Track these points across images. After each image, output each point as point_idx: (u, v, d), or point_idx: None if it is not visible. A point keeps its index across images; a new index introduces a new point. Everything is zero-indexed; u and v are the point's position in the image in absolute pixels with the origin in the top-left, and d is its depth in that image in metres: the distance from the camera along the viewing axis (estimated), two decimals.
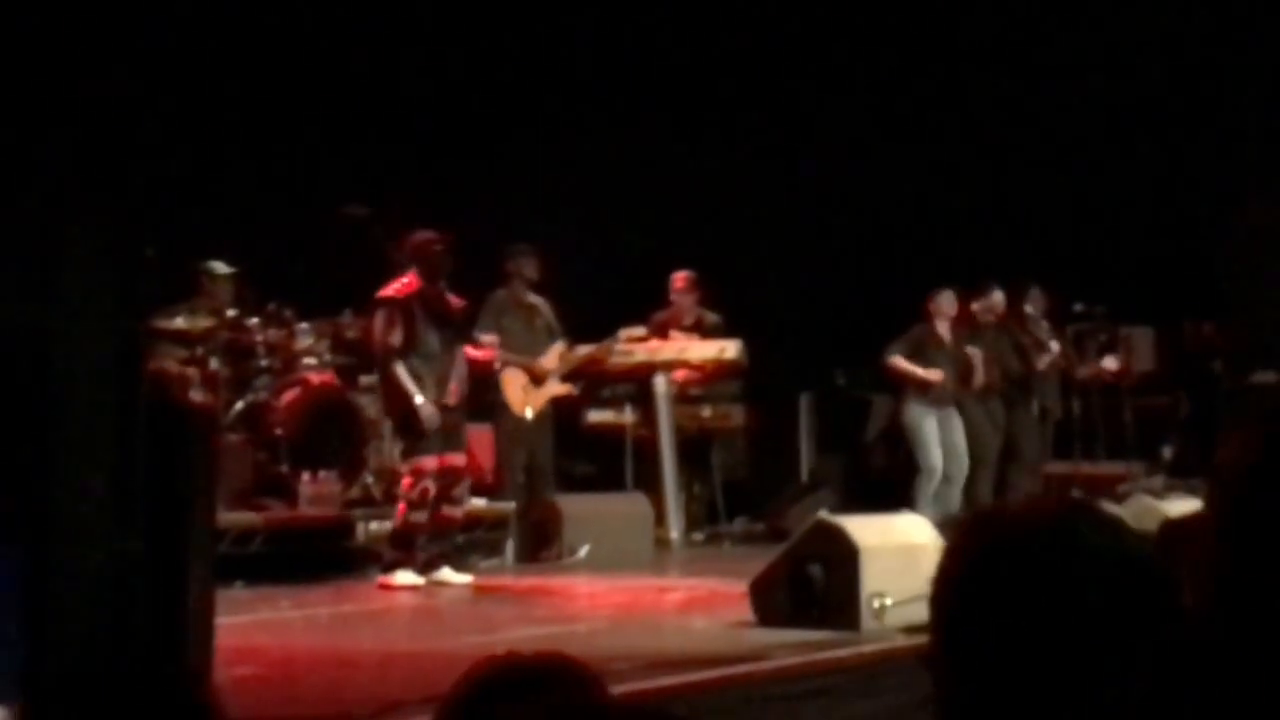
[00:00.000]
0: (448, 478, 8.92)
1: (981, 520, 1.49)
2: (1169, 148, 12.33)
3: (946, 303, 10.86)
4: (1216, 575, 1.41)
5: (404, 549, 8.89)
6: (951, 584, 1.45)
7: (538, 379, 10.61)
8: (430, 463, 8.82)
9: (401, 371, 8.82)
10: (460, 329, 9.22)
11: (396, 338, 8.84)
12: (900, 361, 10.82)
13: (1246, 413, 1.50)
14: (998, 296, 11.11)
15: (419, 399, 8.78)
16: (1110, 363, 11.42)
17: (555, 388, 10.74)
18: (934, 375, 10.76)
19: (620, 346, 11.07)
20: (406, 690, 5.27)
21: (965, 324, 11.04)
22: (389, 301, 8.89)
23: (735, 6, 12.61)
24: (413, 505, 8.82)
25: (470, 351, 9.64)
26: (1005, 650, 1.39)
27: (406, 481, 8.89)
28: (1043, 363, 11.18)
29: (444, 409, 8.88)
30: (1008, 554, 1.42)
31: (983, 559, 1.43)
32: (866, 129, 12.89)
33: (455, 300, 9.12)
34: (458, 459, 9.02)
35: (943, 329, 10.87)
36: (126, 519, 4.54)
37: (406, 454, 9.01)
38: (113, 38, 4.93)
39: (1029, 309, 11.33)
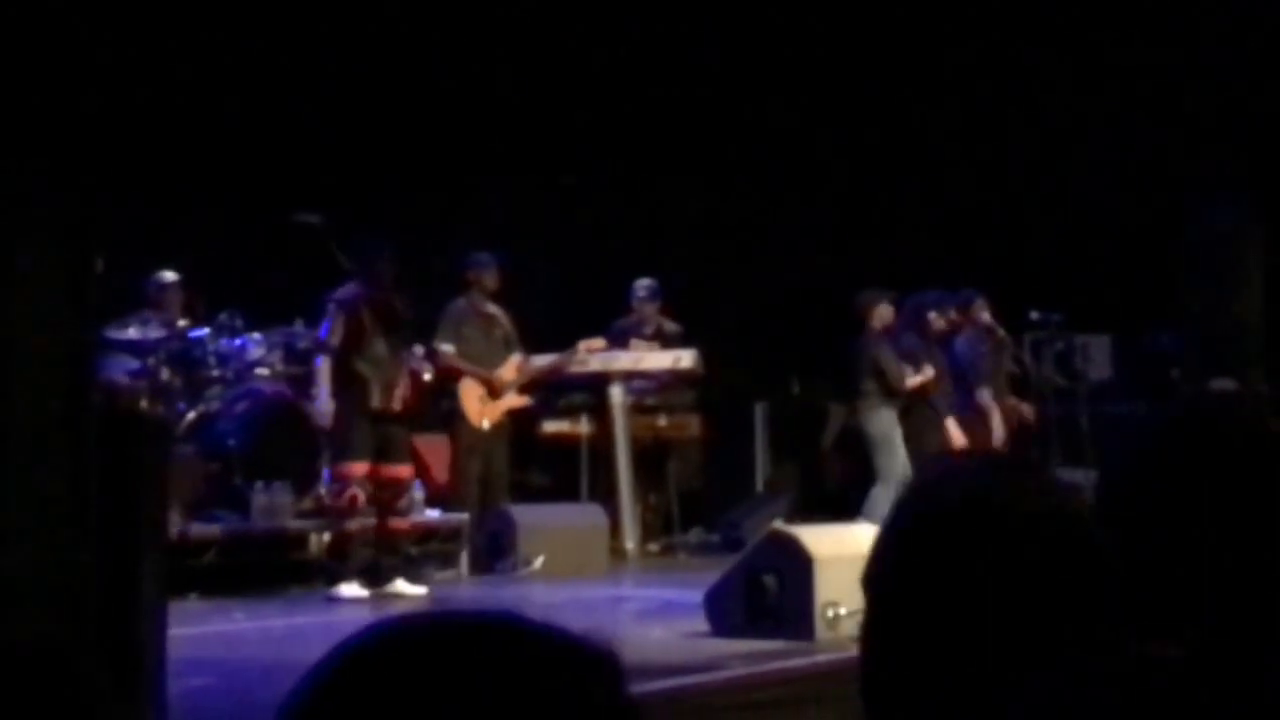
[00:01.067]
0: (390, 489, 8.87)
1: (914, 491, 1.48)
2: (1126, 154, 12.42)
3: (886, 311, 10.86)
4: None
5: (341, 559, 8.84)
6: (881, 557, 1.43)
7: (495, 390, 10.59)
8: (358, 469, 8.76)
9: (322, 370, 8.82)
10: (408, 335, 9.13)
11: (335, 339, 8.84)
12: (916, 377, 10.73)
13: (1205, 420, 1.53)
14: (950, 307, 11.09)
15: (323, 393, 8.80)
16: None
17: (512, 399, 10.73)
18: (928, 373, 10.74)
19: (578, 356, 11.06)
20: None
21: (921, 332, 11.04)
22: (336, 302, 8.87)
23: (688, 22, 12.63)
24: (342, 514, 8.78)
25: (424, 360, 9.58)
26: (932, 620, 1.36)
27: (334, 488, 8.86)
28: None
29: (389, 416, 8.84)
30: (935, 520, 1.40)
31: (912, 529, 1.41)
32: (823, 139, 12.93)
33: (403, 305, 9.03)
34: (401, 470, 8.98)
35: (880, 334, 10.85)
36: (78, 530, 4.50)
37: (333, 460, 8.97)
38: (60, 48, 4.90)
39: (986, 317, 11.34)
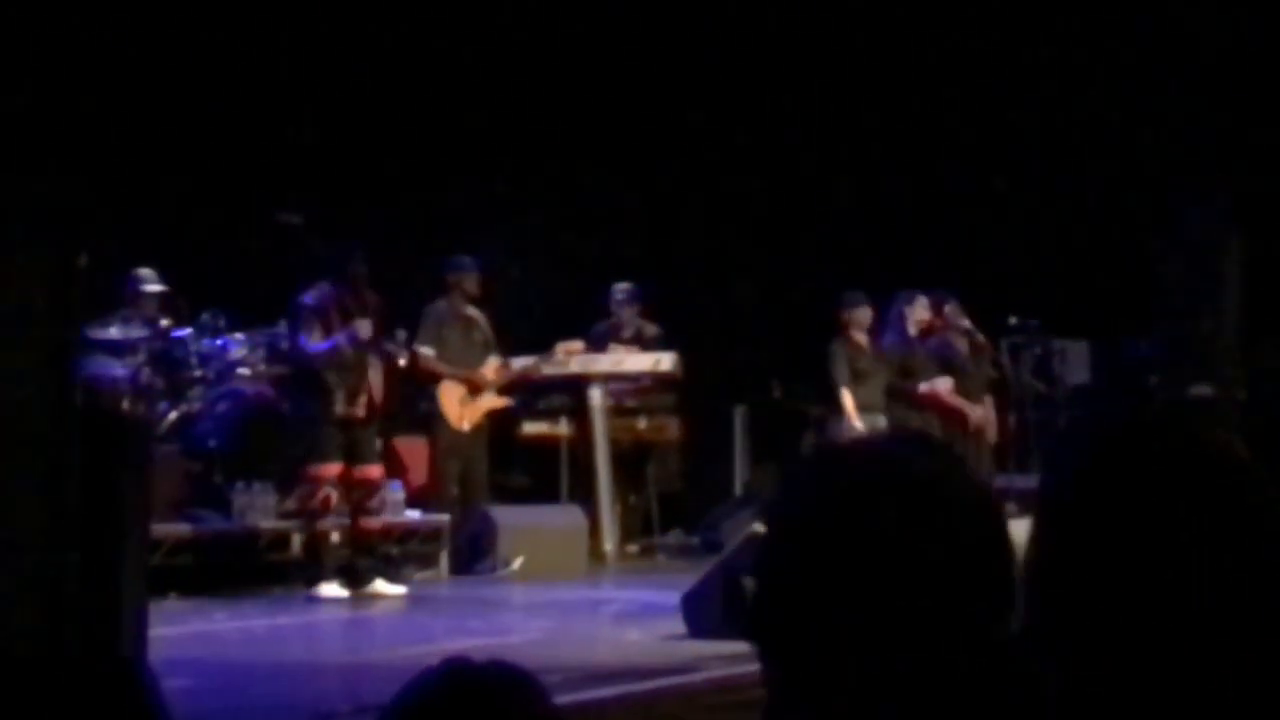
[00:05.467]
0: (361, 489, 8.91)
1: (808, 462, 1.44)
2: (1104, 160, 12.50)
3: (864, 314, 10.94)
4: (1036, 577, 1.42)
5: (316, 560, 8.87)
6: (774, 529, 1.39)
7: (475, 391, 10.62)
8: (330, 470, 8.80)
9: (314, 345, 8.80)
10: (378, 339, 9.07)
11: (315, 340, 8.85)
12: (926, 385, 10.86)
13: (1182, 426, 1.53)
14: (923, 301, 11.16)
15: (337, 337, 8.72)
16: (943, 383, 11.36)
17: (492, 400, 10.75)
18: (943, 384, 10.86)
19: (557, 358, 11.09)
20: (340, 701, 5.27)
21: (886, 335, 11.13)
22: (304, 307, 8.88)
23: (668, 24, 12.68)
24: (315, 515, 8.81)
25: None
26: (825, 597, 1.32)
27: (306, 490, 8.88)
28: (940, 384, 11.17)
29: (354, 422, 8.87)
30: (832, 493, 1.36)
31: (806, 501, 1.37)
32: (802, 144, 12.99)
33: (373, 299, 9.01)
34: (371, 471, 9.01)
35: (861, 338, 10.94)
36: (60, 530, 4.52)
37: (306, 461, 8.98)
38: (44, 51, 4.93)
39: (965, 322, 11.41)
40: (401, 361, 9.25)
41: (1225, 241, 11.44)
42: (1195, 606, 1.33)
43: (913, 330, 11.11)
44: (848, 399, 10.76)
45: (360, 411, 8.87)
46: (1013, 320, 11.71)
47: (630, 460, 11.77)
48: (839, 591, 1.32)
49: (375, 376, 9.00)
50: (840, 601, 1.32)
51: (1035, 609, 1.37)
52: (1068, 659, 1.34)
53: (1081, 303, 12.18)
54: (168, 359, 9.71)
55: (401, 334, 9.30)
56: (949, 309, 11.19)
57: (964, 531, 1.35)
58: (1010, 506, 10.95)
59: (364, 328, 8.75)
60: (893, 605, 1.31)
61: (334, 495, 8.80)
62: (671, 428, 12.02)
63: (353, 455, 8.88)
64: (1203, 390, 11.07)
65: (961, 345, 11.34)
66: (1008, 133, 12.68)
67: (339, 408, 8.80)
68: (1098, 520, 1.36)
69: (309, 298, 8.90)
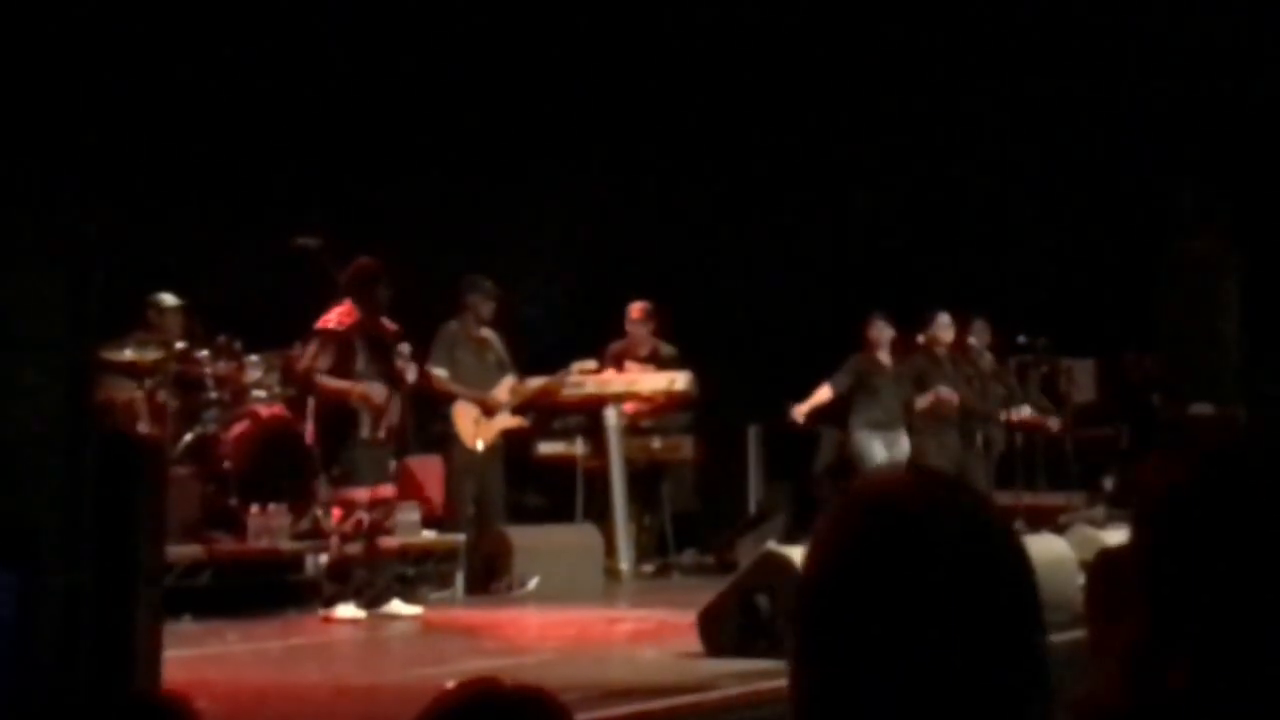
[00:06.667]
0: (379, 509, 8.93)
1: (847, 503, 1.45)
2: (1108, 182, 12.52)
3: (884, 332, 11.01)
4: (1146, 600, 1.44)
5: (341, 582, 8.88)
6: (813, 575, 1.42)
7: (489, 412, 10.63)
8: (362, 494, 8.82)
9: (330, 380, 8.81)
10: (394, 359, 9.12)
11: (323, 364, 8.85)
12: (827, 392, 11.03)
13: (1183, 443, 1.55)
14: (944, 320, 11.21)
15: (360, 386, 8.75)
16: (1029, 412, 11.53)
17: (506, 420, 10.76)
18: (948, 394, 10.95)
19: (572, 378, 11.11)
20: None
21: (918, 352, 11.18)
22: (325, 334, 8.89)
23: (686, 43, 12.71)
24: (346, 538, 8.82)
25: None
26: (858, 639, 1.35)
27: (337, 513, 8.90)
28: (987, 403, 11.30)
29: (376, 444, 8.89)
30: (867, 541, 1.38)
31: (845, 545, 1.40)
32: (817, 165, 13.01)
33: (390, 325, 9.07)
34: (388, 490, 9.05)
35: (883, 356, 11.01)
36: (74, 551, 4.54)
37: (336, 484, 8.99)
38: (65, 72, 4.96)
39: (973, 341, 11.46)
40: (410, 377, 9.25)
41: (1226, 261, 11.46)
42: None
43: (941, 350, 11.20)
44: (819, 394, 10.92)
45: (382, 435, 8.92)
46: (1021, 339, 11.74)
47: (645, 480, 11.78)
48: (874, 632, 1.35)
49: (396, 400, 9.03)
50: (872, 640, 1.35)
51: (1148, 616, 1.40)
52: (1191, 663, 1.37)
53: (1088, 322, 12.20)
54: (184, 381, 9.74)
55: (406, 348, 9.24)
56: (976, 326, 11.29)
57: (984, 573, 1.35)
58: (1018, 523, 10.98)
59: (376, 392, 8.78)
60: (918, 642, 1.33)
61: (366, 519, 8.83)
62: (686, 447, 12.02)
63: (375, 475, 8.93)
64: (1203, 408, 11.08)
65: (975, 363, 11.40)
66: (1016, 155, 12.69)
67: (364, 432, 8.83)
68: (1211, 529, 1.40)
69: (329, 323, 8.90)
